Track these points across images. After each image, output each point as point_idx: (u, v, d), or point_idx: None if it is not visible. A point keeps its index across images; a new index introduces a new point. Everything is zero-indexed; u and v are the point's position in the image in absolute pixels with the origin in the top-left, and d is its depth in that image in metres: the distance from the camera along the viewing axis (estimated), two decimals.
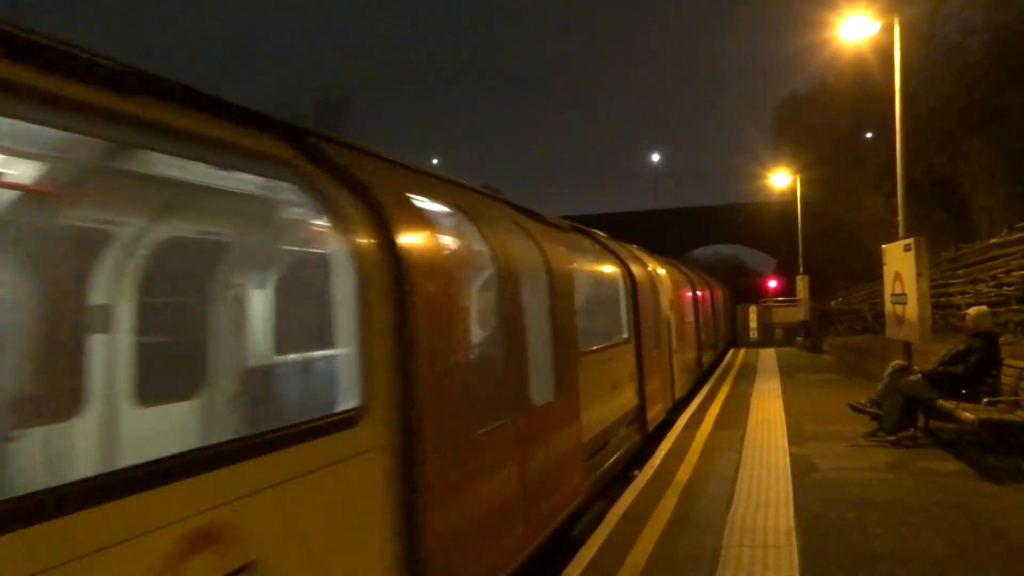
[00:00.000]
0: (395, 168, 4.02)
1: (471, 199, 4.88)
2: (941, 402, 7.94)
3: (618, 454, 7.85)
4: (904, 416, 8.50)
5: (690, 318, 15.39)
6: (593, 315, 8.28)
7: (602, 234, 9.58)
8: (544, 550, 5.02)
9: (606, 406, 7.43)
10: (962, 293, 14.49)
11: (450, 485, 3.51)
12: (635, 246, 11.84)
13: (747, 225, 48.90)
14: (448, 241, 4.32)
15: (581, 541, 5.44)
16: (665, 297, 11.62)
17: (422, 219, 3.70)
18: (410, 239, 3.37)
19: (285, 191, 3.40)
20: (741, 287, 44.24)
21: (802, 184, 28.64)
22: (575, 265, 6.93)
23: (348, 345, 3.03)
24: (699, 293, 17.87)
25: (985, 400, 7.55)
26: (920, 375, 8.48)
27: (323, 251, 3.51)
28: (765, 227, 43.28)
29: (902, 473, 7.16)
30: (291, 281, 4.79)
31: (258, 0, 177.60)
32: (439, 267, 3.65)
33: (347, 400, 2.96)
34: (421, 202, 3.90)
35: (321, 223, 3.30)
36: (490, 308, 4.91)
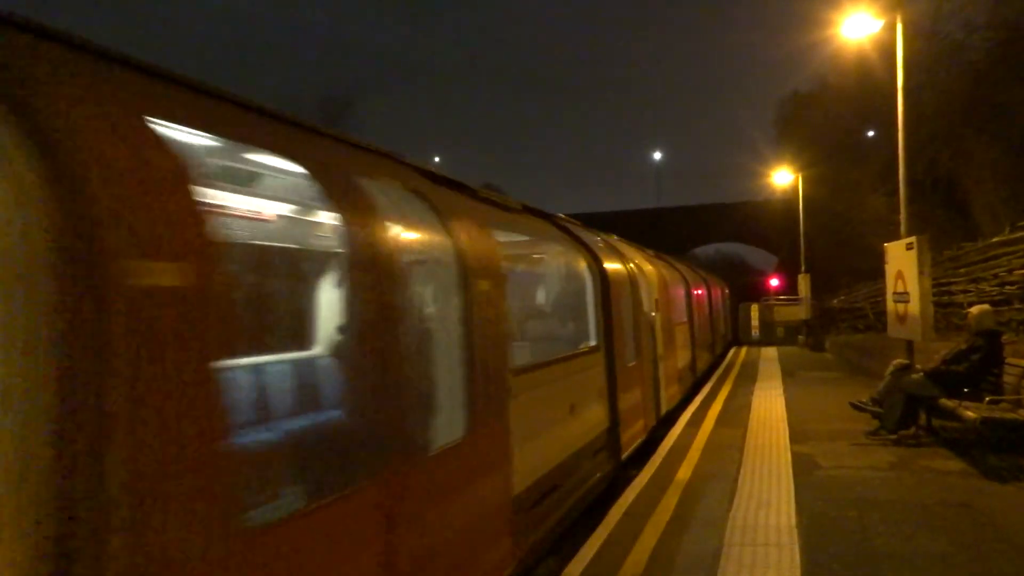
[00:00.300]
0: (129, 74, 2.31)
1: (317, 146, 3.31)
2: (943, 401, 7.94)
3: (577, 494, 6.24)
4: (906, 415, 8.49)
5: (682, 319, 14.13)
6: (545, 319, 7.36)
7: (570, 220, 8.18)
8: None
9: (559, 436, 5.87)
10: (964, 291, 14.47)
11: None
12: (615, 236, 10.54)
13: (749, 223, 48.84)
14: (244, 202, 3.02)
15: None
16: (649, 296, 10.30)
17: (174, 164, 2.18)
18: (133, 195, 1.95)
19: None
20: (743, 285, 44.12)
21: (804, 182, 28.56)
22: (515, 256, 5.72)
23: None
24: (695, 291, 16.69)
25: (987, 399, 7.55)
26: (922, 373, 8.47)
27: None
28: (767, 225, 43.25)
29: (904, 472, 7.15)
30: None
31: (259, 0, 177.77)
32: (207, 243, 2.19)
33: None
34: (187, 137, 2.44)
35: None
36: (335, 312, 3.46)
